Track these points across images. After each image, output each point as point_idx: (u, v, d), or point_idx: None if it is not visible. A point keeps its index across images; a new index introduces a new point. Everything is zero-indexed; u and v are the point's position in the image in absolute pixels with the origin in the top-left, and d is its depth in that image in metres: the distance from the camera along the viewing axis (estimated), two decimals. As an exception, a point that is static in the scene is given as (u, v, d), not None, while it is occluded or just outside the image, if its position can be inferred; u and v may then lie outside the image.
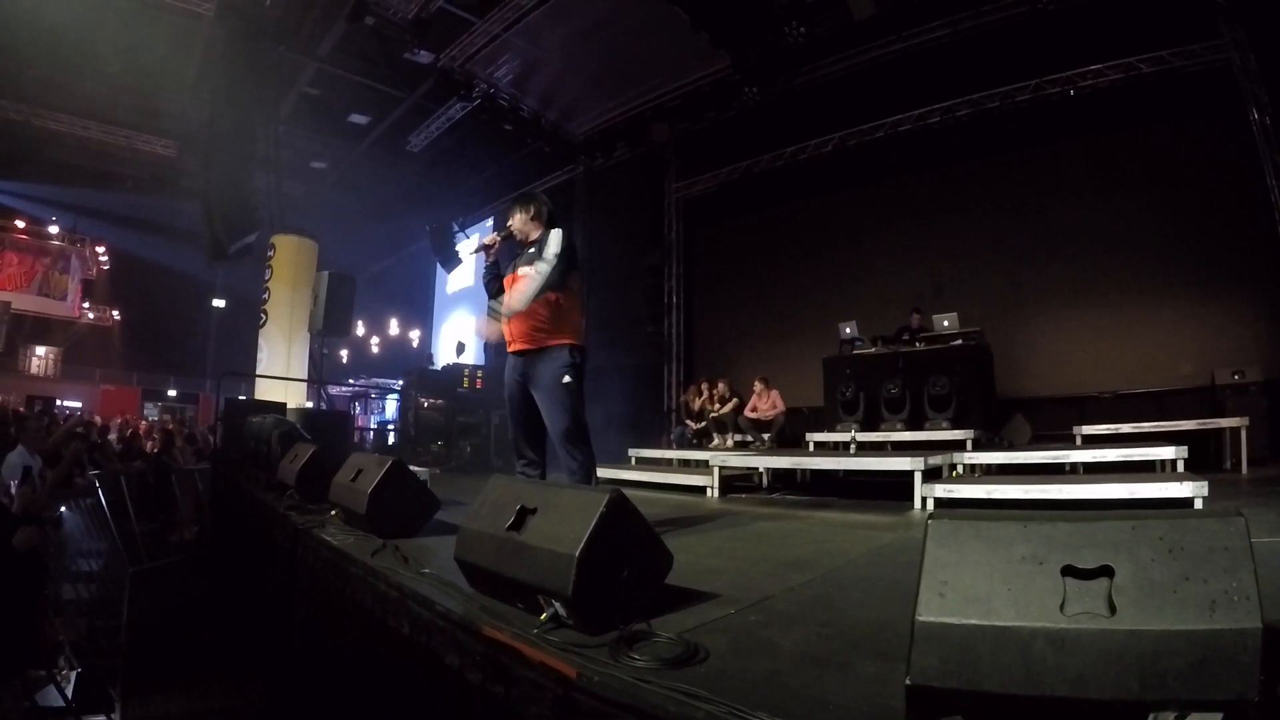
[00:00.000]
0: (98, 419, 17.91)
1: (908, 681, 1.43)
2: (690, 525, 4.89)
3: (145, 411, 24.01)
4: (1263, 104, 8.95)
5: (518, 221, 4.36)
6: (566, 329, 4.21)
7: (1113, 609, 1.36)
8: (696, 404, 11.53)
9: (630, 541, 2.33)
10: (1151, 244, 9.89)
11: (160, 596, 7.61)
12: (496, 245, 4.49)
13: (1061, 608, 1.38)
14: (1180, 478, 4.98)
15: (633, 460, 9.56)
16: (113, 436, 13.75)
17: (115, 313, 26.27)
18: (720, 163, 14.69)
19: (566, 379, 4.08)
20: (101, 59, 13.97)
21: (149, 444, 13.18)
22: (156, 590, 7.67)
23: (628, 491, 2.38)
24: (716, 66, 12.88)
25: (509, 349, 4.29)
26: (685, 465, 8.81)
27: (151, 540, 9.26)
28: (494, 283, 4.42)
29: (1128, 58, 9.91)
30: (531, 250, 4.21)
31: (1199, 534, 1.40)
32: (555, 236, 4.14)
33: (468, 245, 19.74)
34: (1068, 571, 1.41)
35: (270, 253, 13.45)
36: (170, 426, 16.02)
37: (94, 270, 26.01)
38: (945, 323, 9.69)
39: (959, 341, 9.41)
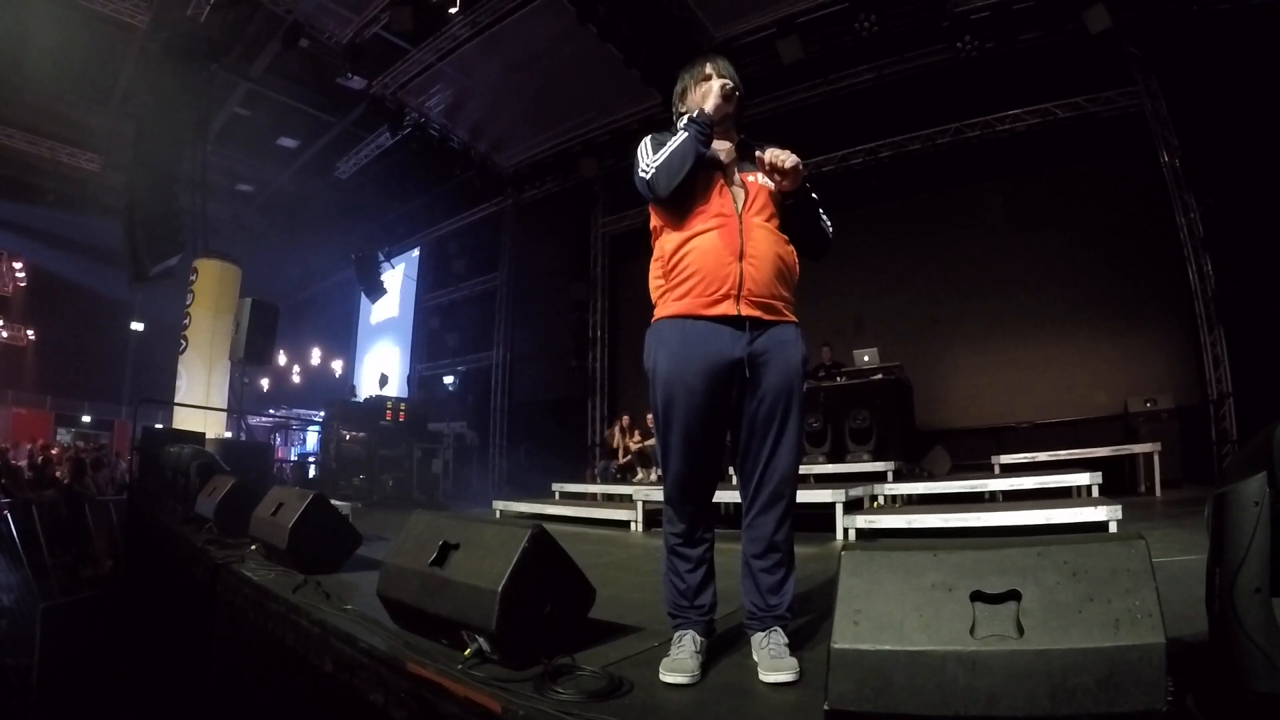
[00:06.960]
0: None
1: (826, 707, 1.47)
2: (614, 559, 4.92)
3: (59, 437, 22.85)
4: (1173, 147, 9.45)
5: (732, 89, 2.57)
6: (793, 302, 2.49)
7: (1021, 631, 1.41)
8: (617, 440, 11.49)
9: (553, 576, 2.34)
10: (1066, 279, 10.25)
11: (74, 633, 7.26)
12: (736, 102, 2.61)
13: (972, 631, 1.43)
14: (1095, 502, 5.16)
15: (556, 495, 9.47)
16: (23, 463, 13.08)
17: (30, 332, 24.96)
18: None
19: (805, 383, 2.47)
20: (29, 66, 13.36)
21: (59, 471, 12.57)
22: (70, 626, 7.32)
23: (551, 526, 2.38)
24: (646, 104, 12.97)
25: (710, 309, 2.31)
26: (609, 500, 8.75)
27: (64, 574, 8.84)
28: (696, 165, 2.42)
29: (1045, 103, 10.34)
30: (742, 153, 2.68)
31: (1101, 557, 1.47)
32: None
33: (393, 275, 19.44)
34: (976, 597, 1.46)
35: (193, 277, 13.11)
36: (80, 454, 15.25)
37: (10, 286, 24.68)
38: (866, 357, 9.78)
39: (879, 375, 9.51)
